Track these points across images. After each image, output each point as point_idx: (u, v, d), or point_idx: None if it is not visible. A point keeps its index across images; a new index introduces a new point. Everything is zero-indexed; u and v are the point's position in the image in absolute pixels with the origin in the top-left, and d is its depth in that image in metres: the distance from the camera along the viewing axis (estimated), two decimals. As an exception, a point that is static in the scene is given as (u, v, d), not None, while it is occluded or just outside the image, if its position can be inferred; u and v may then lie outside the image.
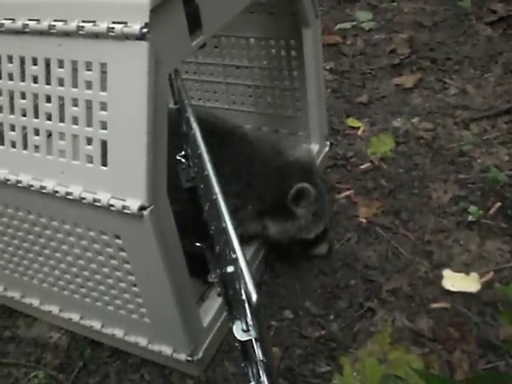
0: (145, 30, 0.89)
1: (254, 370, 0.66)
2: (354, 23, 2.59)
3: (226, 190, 0.76)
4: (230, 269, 0.59)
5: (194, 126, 0.84)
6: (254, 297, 0.57)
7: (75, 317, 1.34)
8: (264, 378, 0.62)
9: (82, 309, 1.32)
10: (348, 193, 1.70)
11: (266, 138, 1.61)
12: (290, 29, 1.54)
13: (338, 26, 2.58)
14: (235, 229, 0.64)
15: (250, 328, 0.61)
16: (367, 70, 2.27)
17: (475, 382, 1.08)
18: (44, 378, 1.33)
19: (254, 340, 0.61)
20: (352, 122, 1.99)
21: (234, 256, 0.62)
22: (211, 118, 1.46)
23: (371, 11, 2.66)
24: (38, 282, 1.33)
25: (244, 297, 0.59)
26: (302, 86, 1.63)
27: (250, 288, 0.57)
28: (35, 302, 1.40)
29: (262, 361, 0.59)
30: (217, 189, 0.71)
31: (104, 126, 0.98)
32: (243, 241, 0.78)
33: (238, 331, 0.61)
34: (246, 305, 0.59)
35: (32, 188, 1.09)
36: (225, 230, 0.65)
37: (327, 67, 2.29)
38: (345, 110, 2.06)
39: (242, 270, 0.59)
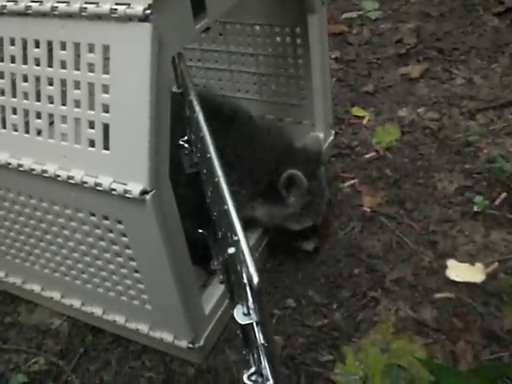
0: (148, 12, 0.88)
1: (256, 356, 0.65)
2: (361, 12, 2.57)
3: (227, 174, 0.75)
4: (231, 250, 0.58)
5: (197, 109, 0.83)
6: (256, 279, 0.56)
7: (76, 303, 1.34)
8: (265, 363, 0.61)
9: (83, 295, 1.31)
10: (352, 182, 1.68)
11: (274, 123, 1.59)
12: (296, 16, 1.53)
13: (344, 16, 2.56)
14: (237, 211, 0.63)
15: (251, 312, 0.60)
16: (373, 60, 2.25)
17: (479, 373, 1.06)
18: (44, 364, 1.33)
19: (255, 324, 0.60)
20: (357, 111, 1.97)
21: (235, 238, 0.61)
22: (217, 98, 1.48)
23: (378, 1, 2.63)
24: (39, 267, 1.33)
25: (245, 280, 0.58)
26: (307, 74, 1.61)
27: (251, 271, 0.56)
28: (36, 288, 1.40)
29: (262, 345, 0.58)
30: (219, 171, 0.70)
31: (106, 109, 0.97)
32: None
33: (239, 315, 0.60)
34: (248, 288, 0.58)
35: (34, 172, 1.08)
36: (227, 213, 0.64)
37: (333, 56, 2.27)
38: (350, 100, 2.04)
39: (243, 253, 0.58)
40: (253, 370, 0.65)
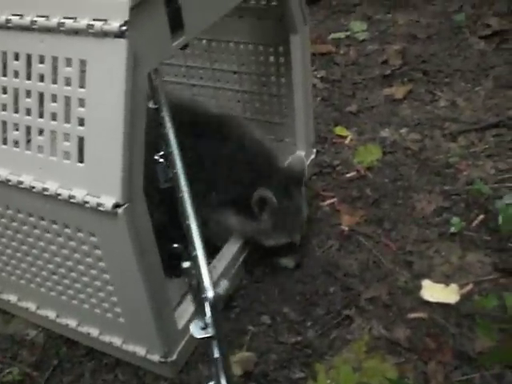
0: (124, 28, 0.90)
1: (213, 369, 0.65)
2: (348, 33, 2.60)
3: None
4: (186, 264, 0.59)
5: (168, 125, 0.84)
6: (211, 293, 0.57)
7: (51, 314, 1.34)
8: (222, 377, 0.62)
9: (58, 306, 1.32)
10: (332, 200, 1.70)
11: (264, 141, 1.61)
12: (279, 35, 1.55)
13: (332, 36, 2.59)
14: (198, 227, 0.64)
15: (208, 326, 0.60)
16: (358, 80, 2.27)
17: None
18: (18, 375, 1.33)
19: (212, 338, 0.61)
20: (340, 130, 1.99)
21: (194, 253, 0.61)
22: (209, 111, 1.54)
23: (366, 22, 2.67)
24: (15, 278, 1.33)
25: (202, 294, 0.59)
26: (290, 92, 1.63)
27: (206, 284, 0.57)
28: (13, 299, 1.40)
29: (216, 359, 0.59)
30: (184, 187, 0.71)
31: (82, 122, 0.98)
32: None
33: (196, 329, 0.61)
34: (204, 302, 0.59)
35: (10, 183, 1.09)
36: (188, 228, 0.65)
37: (318, 76, 2.30)
38: (333, 119, 2.06)
39: (199, 267, 0.59)
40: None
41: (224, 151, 1.41)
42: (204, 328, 0.61)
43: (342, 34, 2.60)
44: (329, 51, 2.48)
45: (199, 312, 0.62)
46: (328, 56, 2.46)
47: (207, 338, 0.61)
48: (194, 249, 0.61)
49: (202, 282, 0.57)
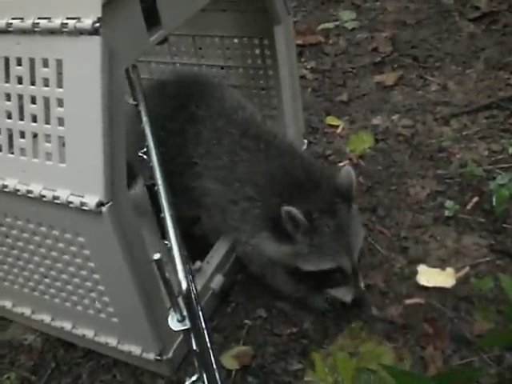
0: (97, 25, 0.89)
1: (197, 362, 0.65)
2: (337, 23, 2.59)
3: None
4: (156, 256, 0.58)
5: (144, 119, 0.83)
6: (184, 285, 0.56)
7: (47, 318, 1.34)
8: (201, 370, 0.61)
9: (52, 310, 1.31)
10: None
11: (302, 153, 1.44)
12: (263, 27, 1.54)
13: (321, 26, 2.58)
14: (173, 218, 0.64)
15: (185, 318, 0.60)
16: (348, 69, 2.26)
17: (445, 378, 1.06)
18: (16, 379, 1.33)
19: (188, 330, 0.60)
20: (331, 120, 1.98)
21: (169, 245, 0.61)
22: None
23: (355, 11, 2.65)
24: (9, 283, 1.33)
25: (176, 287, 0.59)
26: (277, 84, 1.62)
27: (180, 277, 0.57)
28: (8, 305, 1.39)
29: (194, 351, 0.58)
30: (159, 180, 0.70)
31: (61, 122, 0.97)
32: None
33: (172, 321, 0.60)
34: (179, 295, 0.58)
35: (-6, 187, 1.08)
36: (163, 220, 0.64)
37: (308, 66, 2.29)
38: (325, 109, 2.05)
39: (173, 259, 0.58)
40: (194, 377, 0.65)
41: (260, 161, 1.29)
42: (181, 321, 0.61)
43: (331, 24, 2.58)
44: (318, 41, 2.47)
45: (175, 304, 0.61)
46: (318, 46, 2.45)
47: (184, 330, 0.60)
48: (169, 240, 0.61)
49: (176, 273, 0.57)
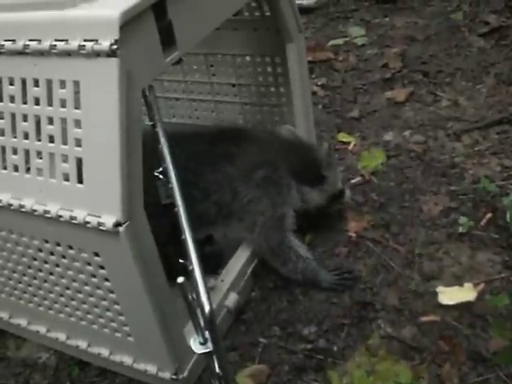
0: (115, 47, 0.90)
1: (218, 384, 0.65)
2: (347, 39, 2.60)
3: None
4: (180, 279, 0.59)
5: (162, 140, 0.84)
6: (207, 308, 0.56)
7: (62, 336, 1.34)
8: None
9: (68, 328, 1.31)
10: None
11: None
12: (275, 45, 1.55)
13: (331, 43, 2.59)
14: (193, 240, 0.64)
15: (207, 341, 0.60)
16: (359, 85, 2.27)
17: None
18: (30, 399, 1.33)
19: (211, 353, 0.61)
20: (343, 136, 1.99)
21: (190, 267, 0.61)
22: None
23: (364, 27, 2.67)
24: (24, 302, 1.33)
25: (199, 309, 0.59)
26: (289, 101, 1.63)
27: (203, 299, 0.57)
28: (23, 323, 1.40)
29: (217, 374, 0.59)
30: (179, 201, 0.70)
31: (79, 143, 0.98)
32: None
33: (195, 344, 0.60)
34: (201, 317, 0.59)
35: (12, 207, 1.08)
36: (184, 242, 0.65)
37: (319, 83, 2.30)
38: (336, 125, 2.06)
39: (196, 282, 0.58)
40: (215, 398, 0.65)
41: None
42: (203, 343, 0.61)
43: (340, 41, 2.60)
44: (328, 58, 2.48)
45: (197, 327, 0.61)
46: (328, 63, 2.46)
47: (207, 353, 0.60)
48: (191, 263, 0.61)
49: (198, 296, 0.57)
